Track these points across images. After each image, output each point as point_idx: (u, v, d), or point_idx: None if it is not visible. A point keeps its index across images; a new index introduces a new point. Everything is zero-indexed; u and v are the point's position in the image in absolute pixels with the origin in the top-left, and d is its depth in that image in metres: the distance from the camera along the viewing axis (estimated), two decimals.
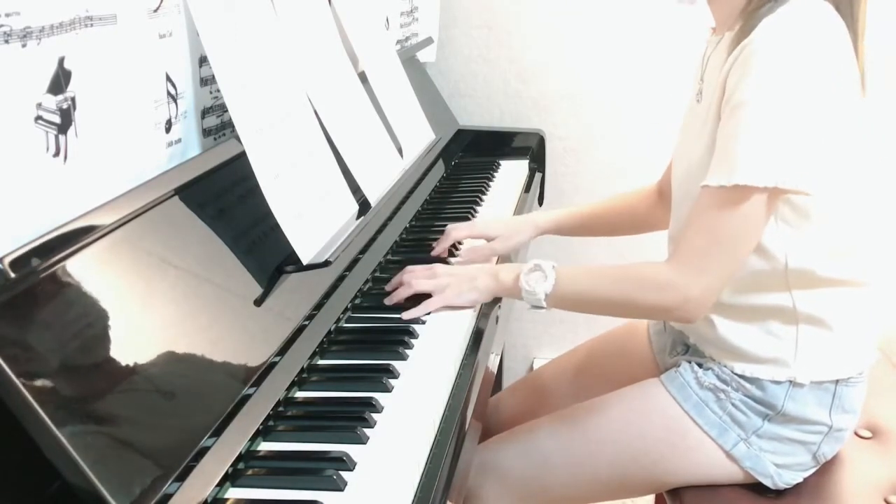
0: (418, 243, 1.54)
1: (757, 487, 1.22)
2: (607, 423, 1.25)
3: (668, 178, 1.47)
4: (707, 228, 1.10)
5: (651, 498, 1.67)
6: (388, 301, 1.26)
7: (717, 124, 1.12)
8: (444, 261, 1.42)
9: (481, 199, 1.81)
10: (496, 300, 1.30)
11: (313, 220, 1.15)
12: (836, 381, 1.19)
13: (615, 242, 2.35)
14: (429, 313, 1.24)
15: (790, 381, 1.18)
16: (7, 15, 0.73)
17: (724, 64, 1.13)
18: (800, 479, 1.23)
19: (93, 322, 0.78)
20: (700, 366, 1.24)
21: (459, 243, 1.52)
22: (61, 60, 0.81)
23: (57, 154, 0.81)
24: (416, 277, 1.26)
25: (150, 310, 0.86)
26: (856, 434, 1.33)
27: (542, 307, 1.20)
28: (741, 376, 1.20)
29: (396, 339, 1.17)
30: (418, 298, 1.25)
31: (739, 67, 1.08)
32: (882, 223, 1.27)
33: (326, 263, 1.11)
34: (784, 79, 1.05)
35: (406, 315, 1.22)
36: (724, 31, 1.19)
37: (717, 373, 1.22)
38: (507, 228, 1.52)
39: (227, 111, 1.08)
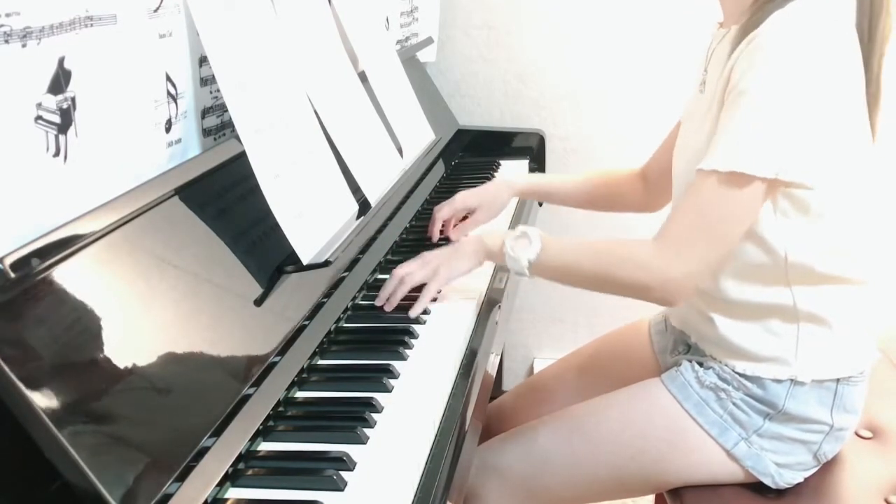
0: (418, 243, 1.54)
1: (757, 487, 1.22)
2: (608, 423, 1.25)
3: (654, 163, 1.49)
4: (696, 212, 1.10)
5: (651, 498, 1.67)
6: (388, 307, 1.26)
7: (719, 114, 1.12)
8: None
9: None
10: (497, 299, 1.31)
11: (313, 220, 1.15)
12: (838, 380, 1.19)
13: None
14: (434, 300, 1.25)
15: (791, 380, 1.18)
16: (7, 15, 0.73)
17: (729, 55, 1.13)
18: (800, 479, 1.23)
19: (93, 322, 0.78)
20: (701, 365, 1.24)
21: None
22: (61, 60, 0.81)
23: (57, 154, 0.81)
24: (409, 272, 1.27)
25: (150, 310, 0.86)
26: (856, 434, 1.32)
27: (524, 275, 1.21)
28: (742, 375, 1.20)
29: (396, 339, 1.17)
30: (417, 291, 1.26)
31: (746, 58, 1.08)
32: (884, 223, 1.27)
33: (326, 263, 1.11)
34: (790, 71, 1.05)
35: (412, 312, 1.23)
36: (731, 24, 1.19)
37: (717, 372, 1.22)
38: (485, 196, 1.55)
39: (227, 111, 1.08)
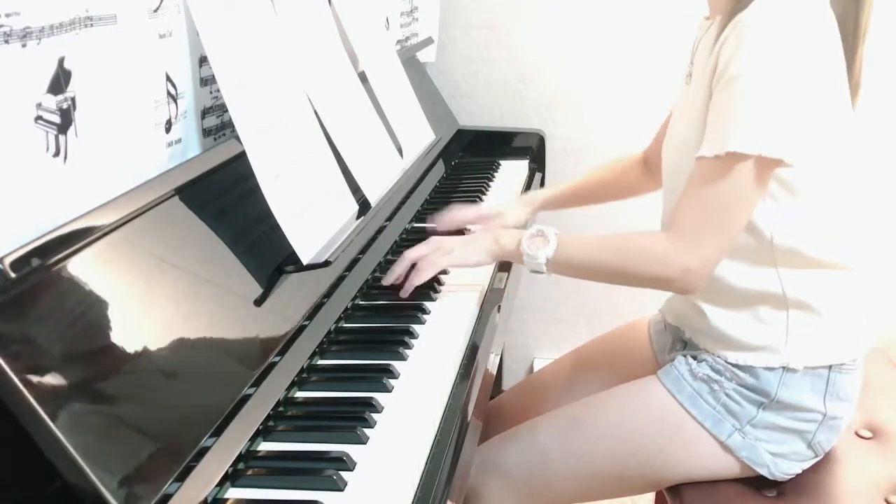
0: (418, 243, 1.54)
1: (756, 484, 1.23)
2: (606, 419, 1.26)
3: (654, 147, 1.51)
4: (702, 200, 1.12)
5: (651, 497, 1.67)
6: (403, 293, 1.28)
7: (707, 103, 1.14)
8: None
9: (481, 199, 1.81)
10: (497, 299, 1.31)
11: (313, 220, 1.15)
12: (830, 367, 1.20)
13: (611, 220, 2.35)
14: (442, 272, 1.29)
15: (783, 368, 1.19)
16: (7, 15, 0.73)
17: (714, 42, 1.14)
18: (798, 470, 1.23)
19: (93, 322, 0.78)
20: (695, 358, 1.25)
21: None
22: (61, 60, 0.81)
23: (57, 154, 0.81)
24: (421, 254, 1.28)
25: (150, 310, 0.86)
26: (856, 434, 1.33)
27: (541, 272, 1.23)
28: (735, 365, 1.21)
29: (396, 339, 1.17)
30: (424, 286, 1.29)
31: (733, 41, 1.09)
32: (871, 211, 1.28)
33: (326, 263, 1.11)
34: (777, 53, 1.07)
35: (417, 279, 1.25)
36: (717, 15, 1.20)
37: (710, 363, 1.23)
38: (509, 208, 1.60)
39: (227, 111, 1.08)
